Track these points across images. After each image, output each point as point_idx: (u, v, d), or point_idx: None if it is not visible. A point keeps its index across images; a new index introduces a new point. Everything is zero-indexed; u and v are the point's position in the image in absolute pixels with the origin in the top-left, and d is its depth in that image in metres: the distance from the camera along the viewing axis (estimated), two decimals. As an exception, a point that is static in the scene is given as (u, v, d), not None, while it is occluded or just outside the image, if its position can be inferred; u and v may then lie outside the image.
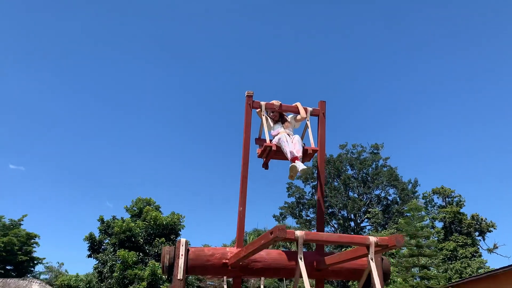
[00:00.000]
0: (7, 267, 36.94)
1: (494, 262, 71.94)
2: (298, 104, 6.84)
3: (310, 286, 4.14)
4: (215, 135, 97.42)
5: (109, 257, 22.42)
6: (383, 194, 53.44)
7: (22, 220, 39.37)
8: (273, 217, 53.83)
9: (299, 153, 6.24)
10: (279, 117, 6.89)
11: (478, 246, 43.87)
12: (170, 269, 5.94)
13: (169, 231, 23.96)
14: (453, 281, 28.22)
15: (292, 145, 6.32)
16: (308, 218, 51.91)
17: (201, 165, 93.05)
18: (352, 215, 52.25)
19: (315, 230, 7.39)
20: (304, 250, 8.48)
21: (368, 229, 50.60)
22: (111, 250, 22.81)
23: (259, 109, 6.65)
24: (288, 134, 6.56)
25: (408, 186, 51.73)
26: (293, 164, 6.16)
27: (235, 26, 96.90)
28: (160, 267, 5.74)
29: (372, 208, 50.36)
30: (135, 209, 25.38)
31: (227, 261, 5.98)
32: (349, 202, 50.60)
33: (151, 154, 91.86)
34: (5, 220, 38.11)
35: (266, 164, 6.92)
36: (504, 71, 75.94)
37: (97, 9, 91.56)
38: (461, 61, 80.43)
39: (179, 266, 5.78)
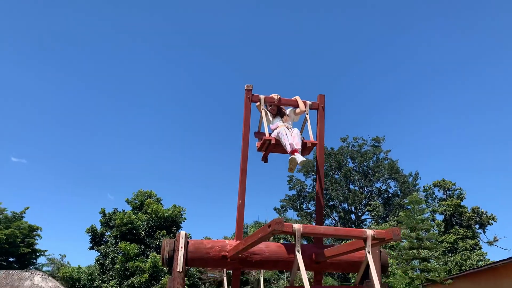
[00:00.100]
0: (9, 259, 37.16)
1: (494, 254, 72.27)
2: (298, 97, 6.85)
3: (309, 278, 4.18)
4: (217, 128, 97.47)
5: (110, 249, 22.54)
6: (384, 187, 53.58)
7: (24, 213, 39.58)
8: (274, 209, 54.03)
9: (298, 145, 6.27)
10: (278, 111, 6.91)
11: (479, 239, 43.97)
12: (170, 261, 5.99)
13: (170, 223, 24.06)
14: (453, 273, 28.32)
15: (291, 138, 6.34)
16: (309, 211, 52.03)
17: (202, 158, 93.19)
18: (353, 208, 52.37)
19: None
20: (304, 243, 8.54)
21: (369, 222, 50.73)
22: (113, 242, 22.93)
23: (258, 103, 6.66)
24: (287, 127, 6.58)
25: (409, 179, 51.80)
26: (292, 156, 6.18)
27: (235, 20, 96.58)
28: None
29: (373, 201, 50.45)
30: (137, 201, 25.47)
31: (226, 253, 6.04)
32: (350, 195, 50.68)
33: (152, 147, 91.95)
34: (7, 212, 38.31)
35: (266, 158, 6.95)
36: (506, 62, 75.70)
37: (97, 2, 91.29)
38: (462, 53, 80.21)
39: (179, 259, 5.83)
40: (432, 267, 22.47)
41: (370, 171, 52.92)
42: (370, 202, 50.58)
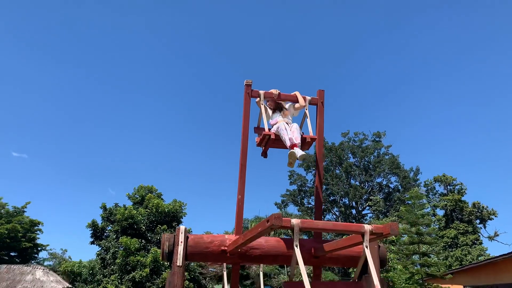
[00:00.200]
0: (11, 254, 37.28)
1: (494, 249, 72.35)
2: (297, 92, 6.85)
3: (308, 273, 4.20)
4: (217, 124, 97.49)
5: (111, 244, 22.59)
6: (384, 182, 53.57)
7: (26, 207, 39.68)
8: (275, 204, 54.10)
9: (297, 140, 6.27)
10: (277, 106, 6.91)
11: (479, 234, 44.02)
12: (169, 256, 6.02)
13: (171, 218, 24.09)
14: (453, 268, 28.38)
15: (291, 133, 6.34)
16: (309, 205, 52.07)
17: (203, 153, 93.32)
18: (354, 203, 52.39)
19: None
20: (305, 237, 8.56)
21: (370, 217, 50.77)
22: (114, 237, 22.97)
23: (258, 99, 6.66)
24: (286, 122, 6.58)
25: (409, 174, 51.79)
26: (291, 150, 6.19)
27: (235, 16, 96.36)
28: (162, 254, 5.84)
29: (374, 196, 50.47)
30: (137, 196, 25.50)
31: (226, 248, 6.06)
32: (350, 190, 50.70)
33: (153, 142, 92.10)
34: (9, 207, 38.40)
35: (265, 153, 6.95)
36: (509, 55, 75.47)
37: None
38: (463, 47, 79.94)
39: (178, 253, 5.85)
40: (432, 262, 22.53)
41: (371, 166, 52.89)
42: (371, 197, 50.60)
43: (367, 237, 4.34)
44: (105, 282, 21.01)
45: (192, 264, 23.78)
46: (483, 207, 45.06)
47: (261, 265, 12.08)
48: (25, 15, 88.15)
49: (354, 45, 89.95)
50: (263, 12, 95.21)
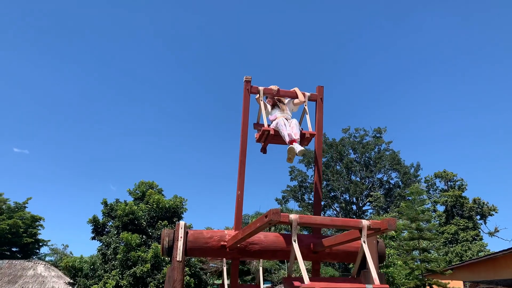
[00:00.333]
0: (12, 249, 37.44)
1: (495, 245, 72.44)
2: (296, 88, 6.87)
3: (307, 268, 4.23)
4: (217, 120, 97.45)
5: (112, 239, 22.61)
6: (385, 178, 53.58)
7: (27, 203, 39.80)
8: (276, 200, 54.16)
9: (296, 135, 6.29)
10: (277, 102, 6.93)
11: (479, 230, 44.08)
12: (169, 251, 6.06)
13: (172, 214, 24.09)
14: (453, 264, 28.44)
15: (290, 128, 6.37)
16: (310, 201, 52.13)
17: (204, 149, 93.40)
18: (354, 199, 52.44)
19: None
20: (305, 233, 8.59)
21: (370, 213, 50.83)
22: (115, 232, 22.99)
23: (257, 95, 6.68)
24: (286, 118, 6.60)
25: (410, 170, 51.79)
26: (291, 146, 6.20)
27: (235, 12, 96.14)
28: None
29: (374, 192, 50.51)
30: (138, 192, 25.50)
31: (225, 243, 6.10)
32: (351, 185, 50.73)
33: (154, 138, 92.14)
34: (10, 203, 38.52)
35: (265, 149, 6.97)
36: (510, 52, 75.28)
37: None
38: (464, 43, 79.75)
39: (178, 248, 5.90)
40: (432, 257, 22.58)
41: (371, 162, 52.90)
42: (371, 193, 50.64)
43: (365, 232, 4.38)
44: (106, 277, 21.05)
45: (193, 259, 23.81)
46: (483, 203, 45.09)
47: (261, 260, 12.11)
48: (26, 12, 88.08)
49: (355, 40, 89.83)
50: (262, 7, 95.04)
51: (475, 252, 37.98)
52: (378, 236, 6.90)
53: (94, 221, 23.88)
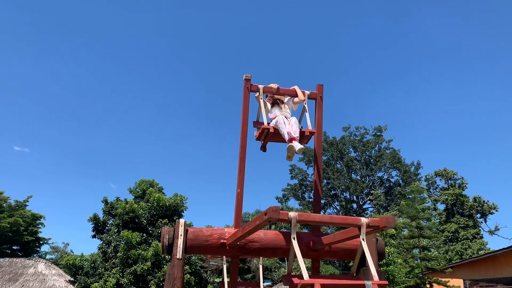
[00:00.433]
0: (13, 247, 37.47)
1: (495, 244, 72.46)
2: (296, 87, 6.87)
3: (306, 267, 4.24)
4: (217, 118, 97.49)
5: (113, 237, 22.68)
6: (385, 176, 53.58)
7: (28, 201, 39.82)
8: (276, 198, 54.16)
9: (296, 134, 6.29)
10: (276, 100, 6.94)
11: (480, 228, 44.08)
12: (169, 248, 6.08)
13: (172, 212, 24.16)
14: (454, 262, 28.45)
15: (289, 126, 6.37)
16: (310, 200, 52.13)
17: (204, 147, 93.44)
18: (355, 197, 52.45)
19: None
20: (306, 231, 8.60)
21: (370, 211, 50.84)
22: (115, 230, 23.05)
23: (257, 93, 6.68)
24: (285, 116, 6.61)
25: (410, 168, 51.78)
26: (290, 144, 6.21)
27: (234, 11, 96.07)
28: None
29: (375, 190, 50.52)
30: (139, 190, 25.56)
31: (225, 241, 6.11)
32: (351, 184, 50.73)
33: (154, 136, 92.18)
34: (11, 201, 38.53)
35: (264, 147, 6.98)
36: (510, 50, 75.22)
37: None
38: (464, 40, 79.68)
39: (178, 246, 5.91)
40: (432, 256, 22.59)
41: (372, 160, 52.89)
42: (371, 192, 50.64)
43: (363, 229, 4.39)
44: (106, 275, 21.11)
45: (193, 257, 23.87)
46: (483, 201, 45.10)
47: (261, 258, 12.13)
48: (26, 10, 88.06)
49: (355, 38, 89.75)
50: (262, 6, 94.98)
51: (475, 251, 37.99)
52: (378, 234, 6.92)
53: (95, 219, 23.95)
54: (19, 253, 36.65)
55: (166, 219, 23.27)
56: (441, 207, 45.96)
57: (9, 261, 27.99)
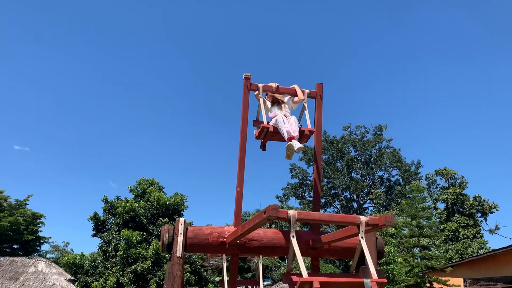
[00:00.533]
0: (13, 246, 37.49)
1: (495, 243, 72.45)
2: (296, 86, 6.86)
3: (306, 265, 4.24)
4: (219, 117, 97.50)
5: (113, 236, 22.67)
6: (386, 176, 53.60)
7: (28, 200, 39.82)
8: (276, 198, 54.19)
9: (295, 132, 6.29)
10: (276, 99, 6.93)
11: (480, 227, 44.12)
12: (169, 247, 6.08)
13: (172, 211, 24.13)
14: (454, 261, 28.47)
15: (289, 125, 6.36)
16: (311, 199, 52.11)
17: (204, 146, 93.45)
18: (355, 196, 52.46)
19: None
20: (306, 230, 8.60)
21: (371, 210, 50.86)
22: (115, 229, 23.04)
23: (257, 92, 6.68)
24: (285, 115, 6.61)
25: (411, 168, 51.79)
26: (289, 143, 6.19)
27: (234, 9, 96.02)
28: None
29: (375, 189, 50.52)
30: (139, 189, 25.53)
31: (224, 239, 6.11)
32: (352, 183, 50.74)
33: (154, 135, 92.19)
34: (11, 200, 38.53)
35: (264, 145, 6.98)
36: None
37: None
38: (464, 39, 79.61)
39: (178, 244, 5.91)
40: (432, 255, 22.62)
41: (372, 159, 52.90)
42: (372, 191, 50.65)
43: (362, 228, 4.40)
44: (107, 274, 21.11)
45: (194, 256, 23.87)
46: (484, 200, 45.11)
47: (260, 257, 12.14)
48: (27, 6, 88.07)
49: (355, 37, 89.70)
50: (262, 4, 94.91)
51: (476, 250, 38.02)
52: (378, 233, 6.93)
53: (95, 218, 23.92)
54: (19, 252, 36.69)
55: (166, 218, 23.26)
56: (441, 206, 46.00)
57: (10, 260, 28.04)
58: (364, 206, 52.69)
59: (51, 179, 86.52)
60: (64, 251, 46.27)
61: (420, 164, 52.39)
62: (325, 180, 52.14)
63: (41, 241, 40.69)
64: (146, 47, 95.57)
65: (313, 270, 6.73)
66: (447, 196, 44.45)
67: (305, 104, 6.73)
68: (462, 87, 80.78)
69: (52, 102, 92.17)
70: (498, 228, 45.21)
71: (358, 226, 4.42)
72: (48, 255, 44.50)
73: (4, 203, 37.61)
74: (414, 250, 23.73)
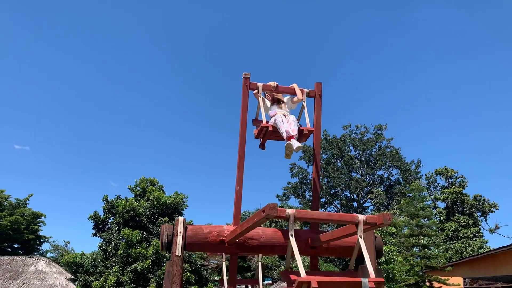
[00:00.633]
0: (14, 246, 37.53)
1: (495, 242, 72.42)
2: (295, 85, 6.87)
3: (305, 265, 4.27)
4: (218, 116, 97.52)
5: (113, 235, 22.69)
6: (386, 175, 53.62)
7: (28, 200, 39.84)
8: (276, 197, 54.20)
9: (294, 132, 6.29)
10: (275, 99, 6.95)
11: (480, 227, 44.14)
12: (169, 246, 6.09)
13: (172, 210, 24.15)
14: (453, 260, 28.49)
15: (288, 124, 6.37)
16: (311, 198, 52.01)
17: (204, 145, 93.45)
18: (355, 196, 52.48)
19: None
20: (306, 229, 8.61)
21: (371, 209, 50.88)
22: (116, 229, 23.06)
23: (256, 91, 6.69)
24: (284, 114, 6.62)
25: (411, 167, 51.80)
26: (288, 142, 6.20)
27: (234, 9, 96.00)
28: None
29: (375, 189, 50.54)
30: (139, 188, 25.55)
31: (224, 238, 6.13)
32: (352, 182, 50.75)
33: (155, 135, 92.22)
34: (12, 199, 38.56)
35: (263, 145, 6.98)
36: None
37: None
38: (465, 36, 79.56)
39: (178, 243, 5.93)
40: (432, 254, 22.64)
41: (372, 159, 52.91)
42: (372, 190, 50.66)
43: (361, 227, 4.41)
44: (107, 273, 21.14)
45: (194, 255, 23.90)
46: (484, 200, 45.13)
47: (260, 256, 12.16)
48: (27, 8, 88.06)
49: (355, 36, 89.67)
50: (261, 4, 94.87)
51: (476, 249, 38.04)
52: (377, 232, 6.95)
53: (95, 217, 23.95)
54: (19, 251, 36.74)
55: (166, 217, 23.28)
56: (441, 205, 46.03)
57: (10, 259, 28.08)
58: (364, 205, 52.72)
59: (51, 178, 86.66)
60: (65, 250, 46.36)
61: (420, 163, 52.43)
62: (325, 179, 52.15)
63: (42, 240, 40.73)
64: (146, 47, 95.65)
65: (312, 269, 6.75)
66: (447, 195, 44.47)
67: (304, 104, 6.74)
68: (462, 86, 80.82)
69: (53, 101, 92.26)
70: (498, 228, 45.27)
71: (356, 225, 4.43)
72: (49, 254, 44.59)
73: (5, 203, 37.63)
74: (414, 249, 23.76)
